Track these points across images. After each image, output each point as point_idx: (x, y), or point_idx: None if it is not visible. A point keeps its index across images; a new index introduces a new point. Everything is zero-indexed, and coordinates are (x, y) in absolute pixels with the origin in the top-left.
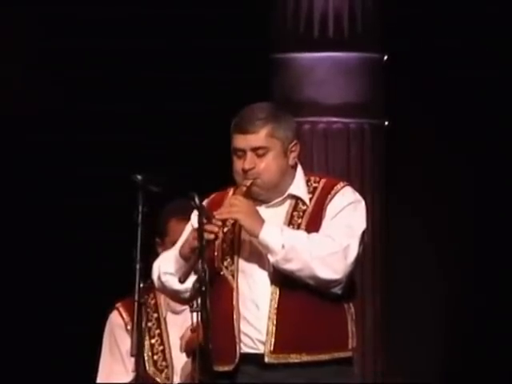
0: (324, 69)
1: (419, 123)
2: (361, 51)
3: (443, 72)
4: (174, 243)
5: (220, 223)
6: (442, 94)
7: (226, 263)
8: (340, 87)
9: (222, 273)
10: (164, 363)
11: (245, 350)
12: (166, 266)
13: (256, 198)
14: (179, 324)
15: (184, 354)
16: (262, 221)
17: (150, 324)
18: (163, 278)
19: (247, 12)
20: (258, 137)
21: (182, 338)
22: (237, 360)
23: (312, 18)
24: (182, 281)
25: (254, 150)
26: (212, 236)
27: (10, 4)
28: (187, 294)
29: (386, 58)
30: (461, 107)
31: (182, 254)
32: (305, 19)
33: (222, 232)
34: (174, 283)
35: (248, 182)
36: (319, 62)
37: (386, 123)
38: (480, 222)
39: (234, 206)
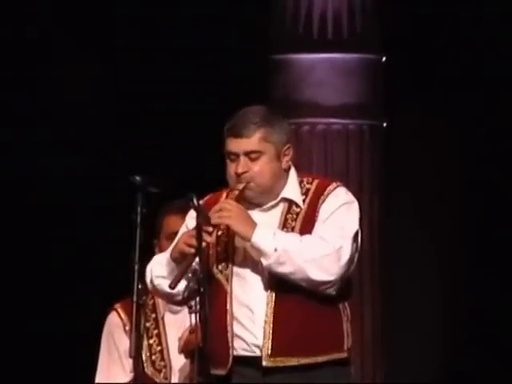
0: (323, 70)
1: (418, 124)
2: (360, 52)
3: (442, 73)
4: (167, 237)
5: (211, 229)
6: (441, 94)
7: (220, 267)
8: (339, 88)
9: (216, 276)
10: (162, 363)
11: (240, 353)
12: (158, 270)
13: (249, 201)
14: (177, 324)
15: (182, 355)
16: (253, 224)
17: (148, 324)
18: (155, 282)
19: (247, 12)
20: (252, 141)
21: (180, 340)
22: (229, 364)
23: (311, 18)
24: (172, 287)
25: (247, 154)
26: (204, 244)
27: None
28: (179, 297)
29: (384, 58)
30: (461, 108)
31: (172, 258)
32: (304, 20)
33: (216, 235)
34: (166, 286)
35: (241, 186)
36: (318, 62)
37: (385, 124)
38: (480, 221)
39: (224, 211)
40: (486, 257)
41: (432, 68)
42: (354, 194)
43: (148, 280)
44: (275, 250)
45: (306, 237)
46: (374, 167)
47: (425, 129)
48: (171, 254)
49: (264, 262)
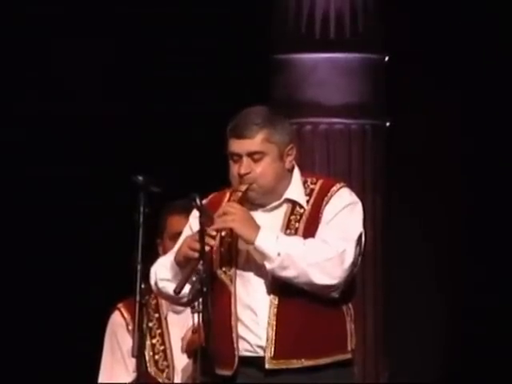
0: (325, 69)
1: (420, 124)
2: (362, 52)
3: (444, 73)
4: (171, 238)
5: (215, 233)
6: (443, 94)
7: (224, 268)
8: (341, 88)
9: (220, 277)
10: (165, 363)
11: (244, 353)
12: (163, 273)
13: (252, 202)
14: (180, 324)
15: (185, 354)
16: (257, 228)
17: (150, 324)
18: (160, 285)
19: (248, 12)
20: (254, 142)
21: (183, 339)
22: (235, 365)
23: (313, 18)
24: (176, 292)
25: (250, 154)
26: (207, 248)
27: None
28: (184, 299)
29: (387, 58)
30: (462, 107)
31: (176, 262)
32: (306, 20)
33: (220, 236)
34: (170, 289)
35: (243, 187)
36: (320, 62)
37: (388, 124)
38: (480, 221)
39: (228, 215)
40: (487, 257)
41: (434, 68)
42: (357, 194)
43: (152, 282)
44: (278, 254)
45: (309, 240)
46: (377, 167)
47: (427, 128)
48: (175, 258)
49: (267, 265)
